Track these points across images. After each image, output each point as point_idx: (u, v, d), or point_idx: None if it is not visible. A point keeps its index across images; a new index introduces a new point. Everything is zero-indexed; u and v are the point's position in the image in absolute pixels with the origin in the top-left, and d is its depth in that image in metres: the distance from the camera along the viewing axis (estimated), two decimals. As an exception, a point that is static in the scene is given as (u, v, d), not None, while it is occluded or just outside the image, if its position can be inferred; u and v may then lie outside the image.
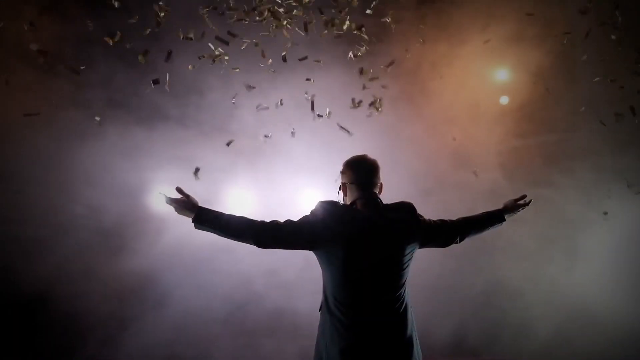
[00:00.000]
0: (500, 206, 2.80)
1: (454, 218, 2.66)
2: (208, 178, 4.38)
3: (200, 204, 2.35)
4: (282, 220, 2.37)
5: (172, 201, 2.34)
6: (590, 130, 4.89)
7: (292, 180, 4.65)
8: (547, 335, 4.68)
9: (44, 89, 4.03)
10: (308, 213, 2.41)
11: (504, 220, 2.73)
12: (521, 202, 2.78)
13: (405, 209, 2.46)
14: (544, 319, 4.72)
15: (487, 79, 5.12)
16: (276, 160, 4.69)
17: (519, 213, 2.81)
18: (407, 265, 2.40)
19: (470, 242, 2.68)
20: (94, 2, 4.11)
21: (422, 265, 4.51)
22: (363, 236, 2.32)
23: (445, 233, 2.56)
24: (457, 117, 5.08)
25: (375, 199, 2.45)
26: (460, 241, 2.62)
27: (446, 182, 4.46)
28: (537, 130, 5.07)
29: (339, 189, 2.55)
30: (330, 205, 2.40)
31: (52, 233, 4.24)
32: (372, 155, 2.52)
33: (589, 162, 4.78)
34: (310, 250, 2.39)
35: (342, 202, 2.52)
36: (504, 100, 5.13)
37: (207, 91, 4.55)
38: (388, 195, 2.53)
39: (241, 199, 4.75)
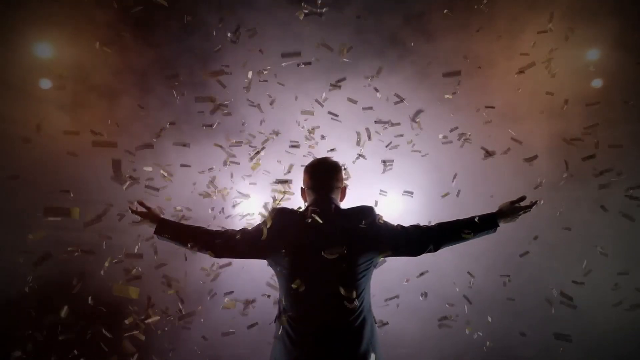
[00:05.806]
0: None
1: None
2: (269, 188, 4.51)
3: (162, 216, 2.39)
4: (237, 229, 2.33)
5: (135, 213, 2.39)
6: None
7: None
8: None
9: (110, 115, 4.40)
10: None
11: (497, 226, 2.31)
12: (521, 204, 2.35)
13: (362, 214, 2.25)
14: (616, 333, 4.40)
15: (550, 69, 4.69)
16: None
17: (520, 217, 2.34)
18: (363, 276, 2.20)
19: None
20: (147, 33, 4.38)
21: (461, 276, 4.32)
22: (308, 244, 2.18)
23: (413, 240, 2.28)
24: (518, 113, 4.85)
25: (329, 204, 2.30)
26: (435, 250, 2.30)
27: (505, 186, 4.29)
28: (606, 122, 4.62)
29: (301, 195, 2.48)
30: (279, 213, 2.29)
31: (130, 241, 4.55)
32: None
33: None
34: (262, 259, 2.31)
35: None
36: (597, 83, 4.73)
37: (264, 104, 4.67)
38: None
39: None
